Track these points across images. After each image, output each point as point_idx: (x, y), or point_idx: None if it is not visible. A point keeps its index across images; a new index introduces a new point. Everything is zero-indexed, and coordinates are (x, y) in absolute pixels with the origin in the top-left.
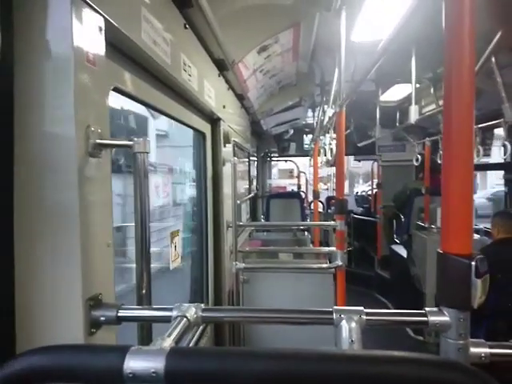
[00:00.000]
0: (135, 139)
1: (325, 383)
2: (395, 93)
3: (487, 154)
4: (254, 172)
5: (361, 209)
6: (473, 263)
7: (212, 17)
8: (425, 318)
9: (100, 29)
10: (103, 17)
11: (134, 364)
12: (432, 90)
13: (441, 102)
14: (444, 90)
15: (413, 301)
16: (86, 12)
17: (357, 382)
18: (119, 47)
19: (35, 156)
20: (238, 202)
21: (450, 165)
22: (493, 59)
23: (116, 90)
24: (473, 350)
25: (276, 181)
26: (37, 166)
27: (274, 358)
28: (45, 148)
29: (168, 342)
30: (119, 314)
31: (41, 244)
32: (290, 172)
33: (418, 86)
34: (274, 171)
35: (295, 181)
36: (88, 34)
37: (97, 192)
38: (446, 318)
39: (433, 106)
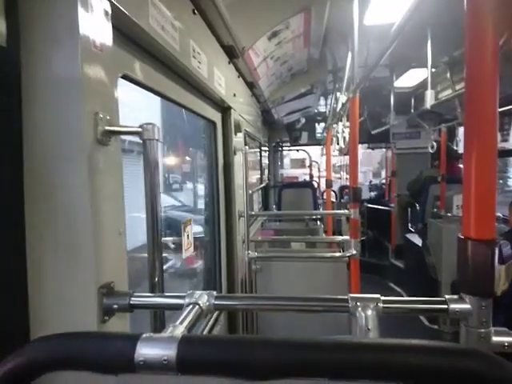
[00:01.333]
0: (144, 125)
1: (343, 372)
2: (410, 78)
3: (505, 140)
4: (265, 162)
5: (373, 193)
6: (496, 248)
7: (221, 2)
8: (445, 306)
9: (106, 13)
10: (109, 1)
11: (145, 351)
12: (448, 75)
13: (458, 87)
14: (465, 71)
15: (428, 290)
16: None
17: (377, 370)
18: (127, 33)
19: (45, 144)
20: (250, 191)
21: (472, 148)
22: None
23: (125, 77)
24: (495, 338)
25: (288, 170)
26: (46, 155)
27: (289, 346)
28: (54, 136)
29: (180, 330)
30: (131, 302)
31: (52, 233)
32: (302, 162)
33: (433, 70)
34: (286, 161)
35: (307, 170)
36: (94, 18)
37: (107, 180)
38: (466, 306)
39: (449, 91)
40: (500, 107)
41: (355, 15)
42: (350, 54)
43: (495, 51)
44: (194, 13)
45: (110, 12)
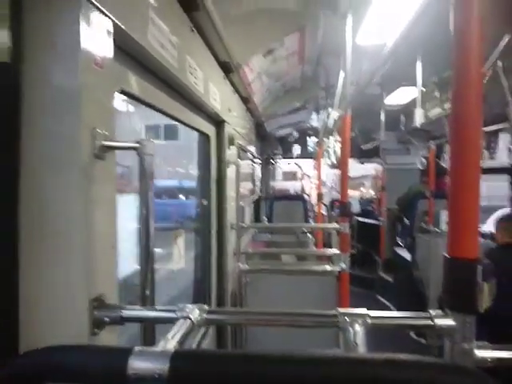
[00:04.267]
0: (141, 141)
1: None
2: (400, 96)
3: (492, 158)
4: (258, 174)
5: (360, 206)
6: (479, 267)
7: (218, 20)
8: (430, 322)
9: (108, 32)
10: (112, 20)
11: (137, 365)
12: (438, 94)
13: (446, 106)
14: (451, 93)
15: (416, 304)
16: (95, 15)
17: None
18: (126, 50)
19: (41, 157)
20: (242, 203)
21: (457, 168)
22: (499, 63)
23: (122, 92)
24: (479, 353)
25: (280, 183)
26: (43, 167)
27: (280, 361)
28: (51, 149)
29: (172, 344)
30: (123, 315)
31: (45, 245)
32: (294, 174)
33: (423, 89)
34: (278, 173)
35: (299, 183)
36: (96, 37)
37: (102, 194)
38: (451, 322)
39: (438, 110)
40: (485, 126)
41: (348, 35)
42: (342, 73)
43: (479, 73)
44: (192, 30)
45: (111, 30)
